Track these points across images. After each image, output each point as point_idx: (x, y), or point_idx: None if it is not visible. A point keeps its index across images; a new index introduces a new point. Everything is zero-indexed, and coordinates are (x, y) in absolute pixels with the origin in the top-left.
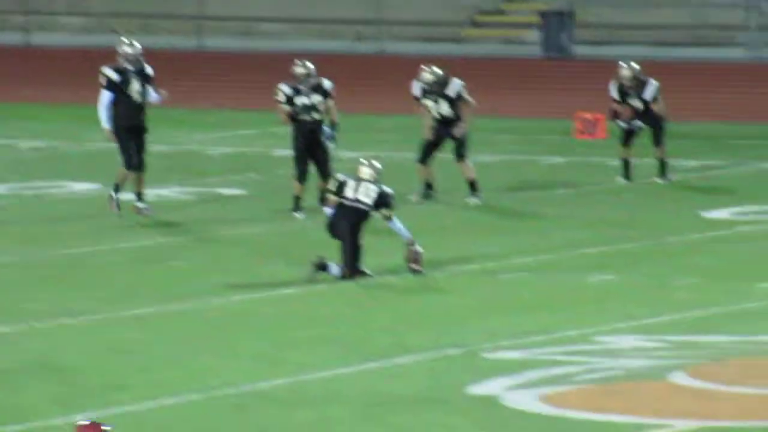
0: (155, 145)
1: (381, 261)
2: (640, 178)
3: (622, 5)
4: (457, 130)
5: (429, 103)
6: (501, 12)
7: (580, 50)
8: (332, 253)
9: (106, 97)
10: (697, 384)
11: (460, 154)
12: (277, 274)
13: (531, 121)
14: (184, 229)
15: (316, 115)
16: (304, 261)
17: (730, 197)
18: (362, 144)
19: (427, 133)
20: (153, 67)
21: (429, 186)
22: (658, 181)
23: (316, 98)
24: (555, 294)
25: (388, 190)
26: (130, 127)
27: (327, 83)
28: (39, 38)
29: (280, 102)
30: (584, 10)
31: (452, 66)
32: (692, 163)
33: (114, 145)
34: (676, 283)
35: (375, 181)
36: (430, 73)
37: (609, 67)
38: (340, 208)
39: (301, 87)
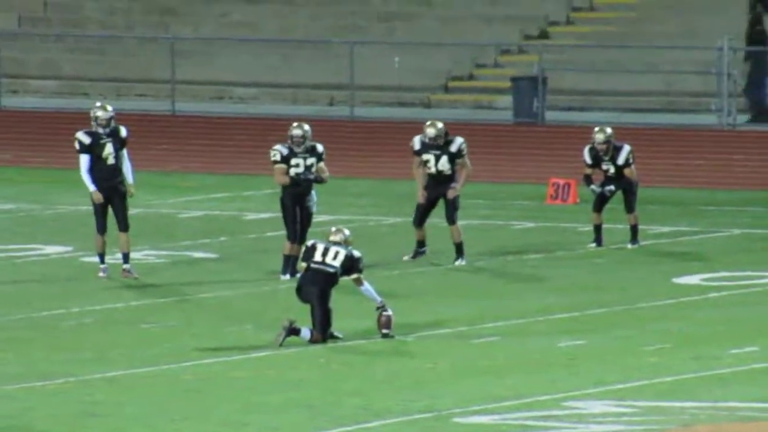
0: None
1: (352, 324)
2: (612, 243)
3: (594, 71)
4: (451, 192)
5: (430, 157)
6: (472, 77)
7: (552, 116)
8: (303, 317)
9: (84, 160)
10: None
11: (451, 217)
12: (248, 337)
13: (503, 186)
14: (155, 291)
15: (310, 176)
16: (275, 325)
17: (700, 263)
18: (335, 208)
19: (420, 198)
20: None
21: (421, 245)
22: (630, 246)
23: (311, 161)
24: (526, 358)
25: (357, 254)
26: (105, 189)
27: (320, 146)
28: (11, 101)
29: (277, 162)
30: (556, 75)
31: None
32: (663, 228)
33: (85, 209)
34: (647, 349)
35: (344, 246)
36: (433, 128)
37: (581, 132)
38: (309, 272)
39: (297, 149)
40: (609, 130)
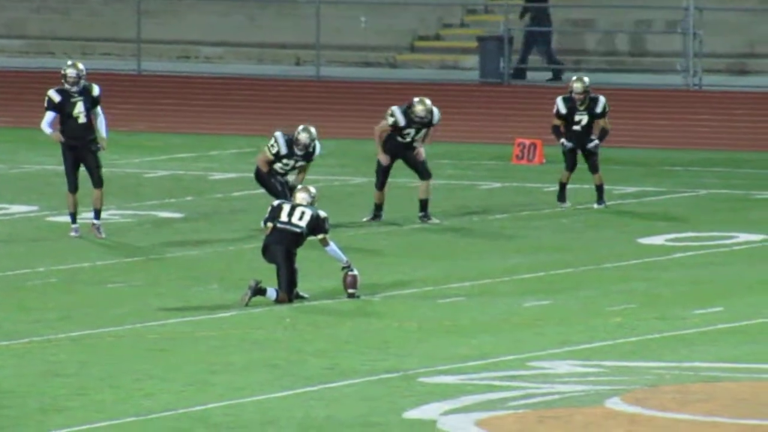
0: None
1: (317, 284)
2: (577, 204)
3: (559, 31)
4: (420, 153)
5: (411, 131)
6: (438, 37)
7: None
8: (269, 277)
9: (48, 116)
10: (632, 409)
11: (427, 172)
12: (213, 297)
13: (469, 147)
14: (121, 251)
15: (290, 178)
16: (241, 285)
17: (666, 223)
18: None
19: (384, 160)
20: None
21: (379, 208)
22: (596, 206)
23: (301, 164)
24: (491, 319)
25: (323, 214)
26: (76, 147)
27: (318, 148)
28: None
29: (271, 152)
30: (522, 35)
31: (388, 90)
32: (628, 189)
33: (50, 168)
34: (612, 309)
35: (310, 206)
36: (422, 106)
37: (546, 92)
38: (275, 232)
39: (297, 151)
40: (586, 80)
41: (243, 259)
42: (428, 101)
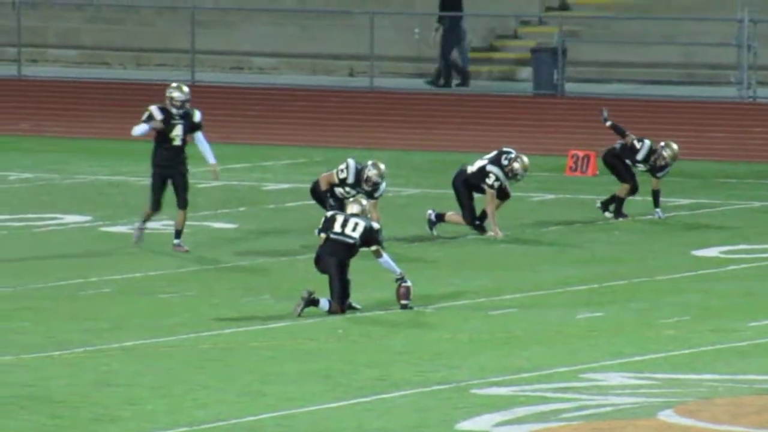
0: (143, 178)
1: (371, 295)
2: (631, 215)
3: (613, 43)
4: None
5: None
6: (492, 48)
7: (572, 87)
8: (322, 287)
9: (141, 127)
10: (685, 422)
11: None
12: (266, 308)
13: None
14: (174, 261)
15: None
16: (294, 295)
17: (720, 235)
18: None
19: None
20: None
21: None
22: (657, 213)
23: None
24: (544, 330)
25: (376, 225)
26: (167, 168)
27: (383, 186)
28: (30, 70)
29: (338, 177)
30: (576, 47)
31: (445, 102)
32: (683, 201)
33: (104, 179)
34: (665, 321)
35: (363, 217)
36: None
37: (600, 104)
38: (328, 242)
39: (366, 186)
40: (675, 147)
41: (296, 270)
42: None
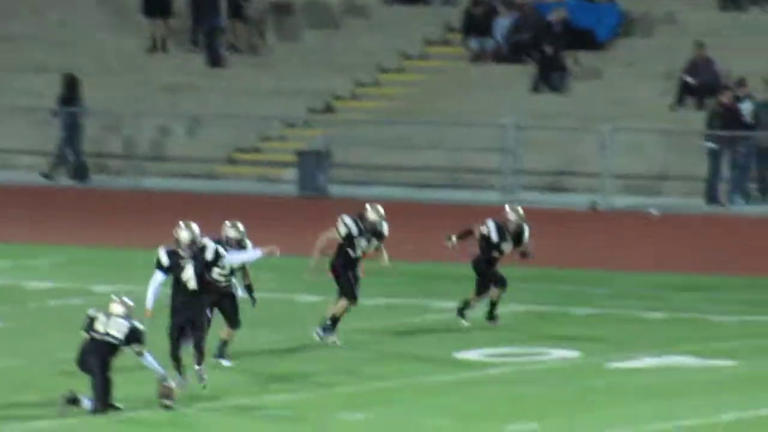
0: None
1: (133, 393)
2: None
3: (379, 146)
4: (360, 271)
5: (362, 243)
6: (257, 150)
7: (337, 190)
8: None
9: (156, 277)
10: None
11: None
12: (28, 407)
13: (287, 260)
14: None
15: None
16: (56, 394)
17: (483, 338)
18: (128, 279)
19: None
20: None
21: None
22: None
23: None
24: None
25: (139, 326)
26: (181, 311)
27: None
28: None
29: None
30: (341, 150)
31: (208, 202)
32: (447, 304)
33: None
34: (427, 424)
35: (126, 317)
36: (376, 215)
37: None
38: (91, 342)
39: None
40: (520, 210)
41: (56, 368)
42: (380, 208)
